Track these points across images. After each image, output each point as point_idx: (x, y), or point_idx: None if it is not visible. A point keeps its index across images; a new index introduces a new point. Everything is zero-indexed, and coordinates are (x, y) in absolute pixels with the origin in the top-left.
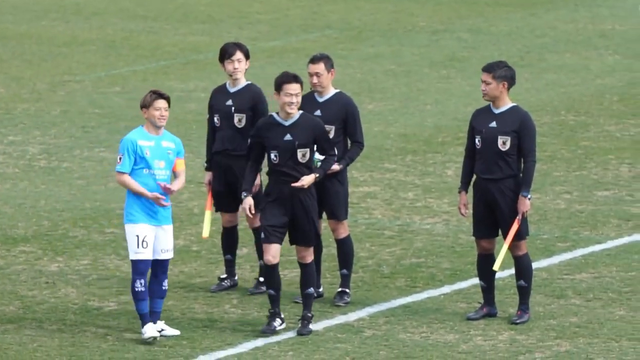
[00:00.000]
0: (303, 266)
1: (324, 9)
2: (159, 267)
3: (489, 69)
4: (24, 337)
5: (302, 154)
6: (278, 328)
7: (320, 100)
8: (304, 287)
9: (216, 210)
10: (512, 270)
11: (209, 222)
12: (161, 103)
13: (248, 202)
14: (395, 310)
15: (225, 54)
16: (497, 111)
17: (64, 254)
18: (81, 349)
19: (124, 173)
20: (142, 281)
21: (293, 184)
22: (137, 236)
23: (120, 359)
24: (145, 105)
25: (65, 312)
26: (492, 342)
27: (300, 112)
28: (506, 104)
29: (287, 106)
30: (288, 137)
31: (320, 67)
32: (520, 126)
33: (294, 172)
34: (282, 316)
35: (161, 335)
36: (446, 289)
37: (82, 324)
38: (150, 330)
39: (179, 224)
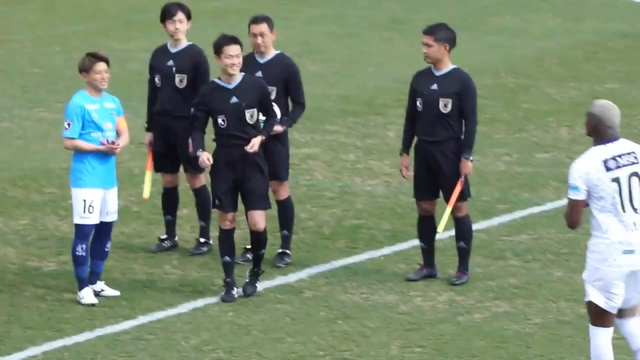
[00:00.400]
0: (257, 234)
1: None
2: (103, 229)
3: (430, 31)
4: None
5: (249, 115)
6: (237, 296)
7: (262, 61)
8: (258, 249)
9: (156, 171)
10: (453, 232)
11: (149, 183)
12: (101, 66)
13: (205, 155)
14: (335, 272)
15: (166, 14)
16: (438, 73)
17: (3, 214)
18: (20, 309)
19: (73, 138)
20: (84, 245)
21: (246, 148)
22: (84, 200)
23: (59, 319)
24: (85, 69)
25: (3, 272)
26: (431, 303)
27: (242, 74)
28: (447, 66)
29: (229, 68)
30: (234, 99)
31: (263, 26)
32: (461, 88)
33: (243, 134)
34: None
35: (101, 296)
36: (386, 250)
37: (21, 284)
38: (89, 296)
39: (120, 184)
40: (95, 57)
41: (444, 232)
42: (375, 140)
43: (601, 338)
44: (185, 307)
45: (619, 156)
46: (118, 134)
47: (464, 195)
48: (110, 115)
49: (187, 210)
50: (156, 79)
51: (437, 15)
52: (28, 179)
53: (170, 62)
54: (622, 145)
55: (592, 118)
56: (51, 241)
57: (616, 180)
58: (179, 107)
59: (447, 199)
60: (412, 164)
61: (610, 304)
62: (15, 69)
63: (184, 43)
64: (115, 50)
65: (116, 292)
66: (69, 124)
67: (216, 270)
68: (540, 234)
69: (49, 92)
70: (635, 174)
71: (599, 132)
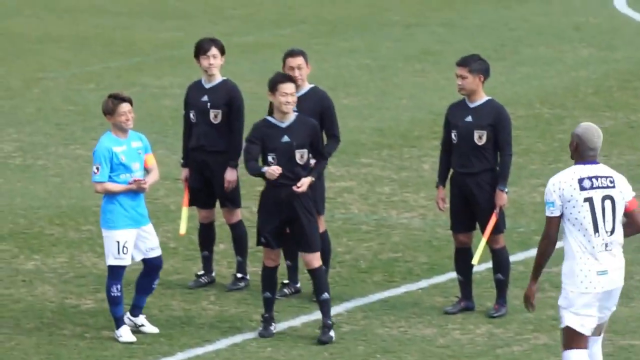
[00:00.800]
0: (312, 272)
1: (298, 3)
2: (152, 266)
3: (464, 62)
4: (0, 336)
5: (300, 155)
6: (274, 332)
7: (297, 95)
8: (319, 294)
9: (192, 205)
10: (490, 264)
11: (185, 219)
12: (125, 107)
13: (272, 168)
14: (372, 305)
15: (200, 50)
16: (472, 105)
17: (40, 252)
18: (59, 347)
19: (103, 182)
20: (119, 286)
21: (294, 188)
22: (118, 242)
23: (98, 357)
24: (109, 112)
25: (42, 311)
26: (469, 336)
27: (296, 113)
28: (481, 98)
29: (283, 106)
30: (286, 138)
31: (300, 60)
32: (495, 120)
33: (291, 174)
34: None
35: (140, 332)
36: (423, 283)
37: (60, 322)
38: (127, 334)
39: (156, 220)
40: (118, 99)
41: (481, 264)
42: (410, 173)
43: (577, 358)
44: (223, 343)
45: (595, 177)
46: (147, 172)
47: (499, 228)
48: (138, 155)
49: (223, 246)
50: (191, 115)
51: (469, 46)
52: (65, 217)
53: (205, 98)
54: (600, 168)
55: (574, 138)
56: (89, 279)
57: (589, 200)
58: (214, 143)
59: (483, 231)
60: (448, 196)
61: (586, 327)
62: (50, 106)
63: (218, 78)
64: (148, 86)
65: (155, 329)
66: (97, 168)
67: (254, 306)
68: None
69: (83, 129)
70: (609, 197)
71: (579, 152)
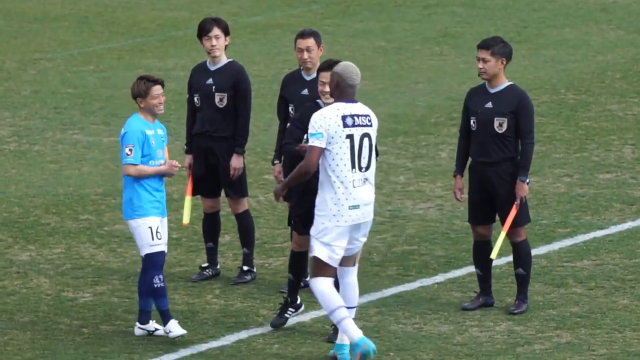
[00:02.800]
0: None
1: None
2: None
3: (486, 45)
4: None
5: None
6: (291, 317)
7: (308, 78)
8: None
9: (196, 194)
10: (510, 258)
11: (189, 208)
12: (158, 89)
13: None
14: (386, 300)
15: (202, 31)
16: (493, 91)
17: (36, 242)
18: (55, 342)
19: (136, 164)
20: (161, 276)
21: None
22: (150, 228)
23: (96, 353)
24: (141, 95)
25: (37, 304)
26: (488, 334)
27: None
28: (503, 83)
29: (322, 95)
30: None
31: (311, 41)
32: (517, 106)
33: None
34: (299, 302)
35: (154, 335)
36: (440, 277)
37: (56, 315)
38: (176, 328)
39: None
40: (151, 81)
41: (501, 257)
42: (426, 161)
43: (322, 283)
44: (228, 339)
45: (357, 116)
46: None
47: (522, 220)
48: (162, 143)
49: (229, 237)
50: (195, 99)
51: (490, 27)
52: (62, 206)
53: (210, 81)
54: (360, 107)
55: (334, 77)
56: (86, 271)
57: (350, 137)
58: (219, 128)
59: (503, 224)
60: (467, 186)
61: (334, 258)
62: (48, 89)
63: (223, 60)
64: (151, 68)
65: (181, 331)
66: (130, 150)
67: (260, 300)
68: (603, 260)
69: (82, 113)
70: (367, 135)
71: (340, 90)
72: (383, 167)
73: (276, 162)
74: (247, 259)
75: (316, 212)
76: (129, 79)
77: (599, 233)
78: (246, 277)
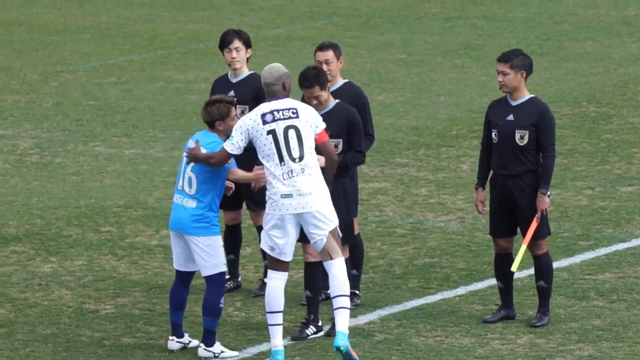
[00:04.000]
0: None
1: None
2: (188, 278)
3: (505, 58)
4: (15, 342)
5: (334, 145)
6: (311, 336)
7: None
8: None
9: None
10: (532, 271)
11: None
12: (234, 110)
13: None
14: (407, 313)
15: (223, 43)
16: (514, 103)
17: (58, 254)
18: (76, 354)
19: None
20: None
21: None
22: (222, 247)
23: None
24: (222, 117)
25: (59, 316)
26: (510, 347)
27: (337, 101)
28: (524, 95)
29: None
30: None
31: (329, 54)
32: (539, 119)
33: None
34: (320, 323)
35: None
36: (461, 290)
37: (77, 327)
38: (227, 351)
39: None
40: (230, 103)
41: (522, 270)
42: (448, 174)
43: (274, 281)
44: (249, 352)
45: (277, 110)
46: None
47: (542, 233)
48: None
49: (250, 249)
50: None
51: (511, 40)
52: (84, 218)
53: (232, 93)
54: (284, 102)
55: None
56: (108, 283)
57: (271, 132)
58: None
59: (524, 236)
60: (488, 199)
61: (275, 250)
62: (70, 101)
63: (244, 72)
64: (173, 80)
65: (235, 353)
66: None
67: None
68: (626, 272)
69: (104, 125)
70: (292, 127)
71: (266, 92)
72: (404, 179)
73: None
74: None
75: (267, 204)
76: (150, 91)
77: (621, 246)
78: None
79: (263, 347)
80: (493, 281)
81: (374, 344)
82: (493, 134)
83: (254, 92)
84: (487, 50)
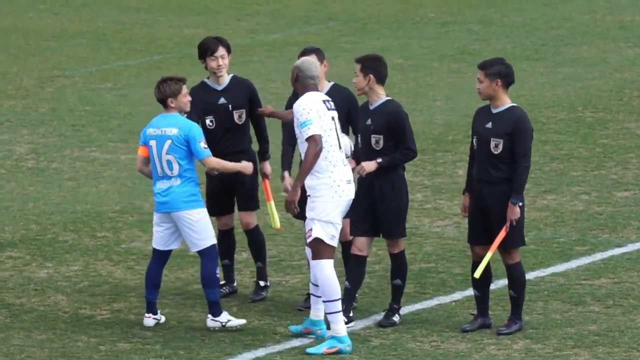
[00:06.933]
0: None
1: None
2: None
3: (482, 66)
4: (11, 347)
5: (375, 140)
6: (349, 326)
7: None
8: (392, 278)
9: (211, 214)
10: (528, 276)
11: (275, 212)
12: (186, 88)
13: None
14: (403, 318)
15: (207, 51)
16: (494, 111)
17: (54, 259)
18: (72, 359)
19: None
20: (219, 268)
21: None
22: (210, 221)
23: None
24: (174, 94)
25: (55, 321)
26: (506, 352)
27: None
28: (504, 104)
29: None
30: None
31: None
32: (513, 128)
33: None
34: (351, 315)
35: (227, 328)
36: (457, 295)
37: (73, 333)
38: (233, 319)
39: None
40: (180, 80)
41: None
42: (444, 179)
43: (329, 269)
44: (245, 357)
45: (328, 101)
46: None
47: (514, 242)
48: None
49: (245, 254)
50: (208, 121)
51: (508, 45)
52: (80, 223)
53: (222, 100)
54: (324, 94)
55: (295, 70)
56: (104, 288)
57: (333, 119)
58: (236, 144)
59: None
60: None
61: (334, 239)
62: (66, 106)
63: (227, 77)
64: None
65: (242, 321)
66: (205, 143)
67: (278, 318)
68: (622, 278)
69: (100, 130)
70: (334, 118)
71: (301, 82)
72: None
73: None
74: (262, 273)
75: (315, 194)
76: (146, 96)
77: (617, 251)
78: (262, 293)
79: (259, 353)
80: (490, 287)
81: (370, 349)
82: (474, 141)
83: (248, 95)
84: (483, 55)
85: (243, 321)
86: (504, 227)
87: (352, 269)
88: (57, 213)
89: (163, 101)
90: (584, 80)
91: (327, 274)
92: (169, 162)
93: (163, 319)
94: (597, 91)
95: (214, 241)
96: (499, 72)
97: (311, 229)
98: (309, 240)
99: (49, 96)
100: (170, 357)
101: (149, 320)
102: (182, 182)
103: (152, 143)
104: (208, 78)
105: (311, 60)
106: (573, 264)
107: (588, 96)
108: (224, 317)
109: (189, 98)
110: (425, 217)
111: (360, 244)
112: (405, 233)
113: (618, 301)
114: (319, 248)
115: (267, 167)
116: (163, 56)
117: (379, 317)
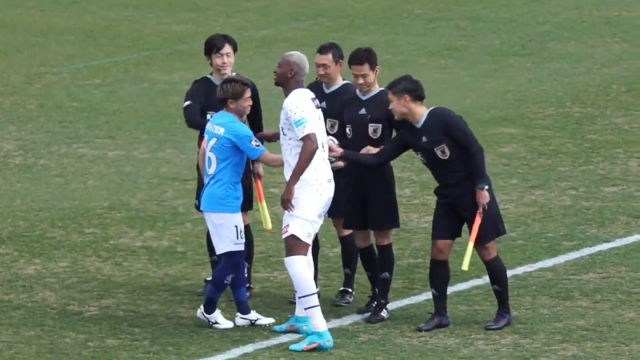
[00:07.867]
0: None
1: None
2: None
3: (389, 87)
4: None
5: (373, 129)
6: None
7: (327, 91)
8: (380, 271)
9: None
10: (514, 271)
11: (266, 213)
12: (249, 92)
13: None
14: (392, 313)
15: (213, 47)
16: (419, 125)
17: (42, 255)
18: (60, 356)
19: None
20: (232, 275)
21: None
22: (236, 226)
23: None
24: (235, 97)
25: (43, 318)
26: (494, 347)
27: (382, 88)
28: (422, 114)
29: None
30: (363, 111)
31: (327, 58)
32: (445, 129)
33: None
34: (384, 301)
35: (256, 324)
36: None
37: (62, 329)
38: (222, 320)
39: (163, 223)
40: (245, 84)
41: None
42: (431, 175)
43: (302, 265)
44: (234, 353)
45: (315, 99)
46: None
47: (488, 235)
48: None
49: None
50: (209, 116)
51: (495, 41)
52: (67, 219)
53: None
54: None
55: (292, 66)
56: (92, 284)
57: (320, 117)
58: None
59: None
60: None
61: (310, 237)
62: (54, 103)
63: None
64: (157, 82)
65: (270, 320)
66: (256, 140)
67: (266, 314)
68: (609, 273)
69: (88, 127)
70: (320, 117)
71: (296, 78)
72: None
73: None
74: (249, 274)
75: (297, 191)
76: (134, 92)
77: (605, 246)
78: (247, 293)
79: (247, 349)
80: (477, 282)
81: (358, 344)
82: (420, 157)
83: (253, 94)
84: (470, 50)
85: (231, 324)
86: (478, 213)
87: (363, 258)
88: (45, 209)
89: (224, 100)
90: (571, 76)
91: (299, 269)
92: (209, 160)
93: (259, 319)
94: (585, 86)
95: (234, 248)
96: (405, 87)
97: (288, 225)
98: (284, 236)
99: (36, 92)
100: (158, 353)
101: (238, 320)
102: (214, 184)
103: (206, 138)
104: (211, 74)
105: (304, 56)
106: (561, 259)
107: (575, 91)
108: (213, 317)
109: (250, 102)
110: (413, 213)
111: (363, 236)
112: (399, 223)
113: (606, 296)
114: (294, 244)
115: (260, 167)
116: (151, 52)
117: (367, 312)
